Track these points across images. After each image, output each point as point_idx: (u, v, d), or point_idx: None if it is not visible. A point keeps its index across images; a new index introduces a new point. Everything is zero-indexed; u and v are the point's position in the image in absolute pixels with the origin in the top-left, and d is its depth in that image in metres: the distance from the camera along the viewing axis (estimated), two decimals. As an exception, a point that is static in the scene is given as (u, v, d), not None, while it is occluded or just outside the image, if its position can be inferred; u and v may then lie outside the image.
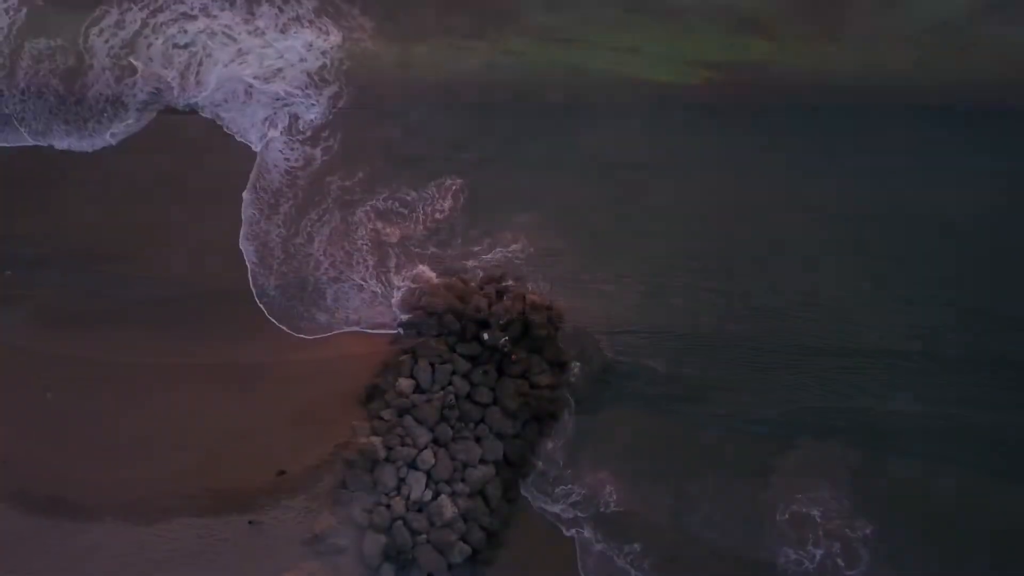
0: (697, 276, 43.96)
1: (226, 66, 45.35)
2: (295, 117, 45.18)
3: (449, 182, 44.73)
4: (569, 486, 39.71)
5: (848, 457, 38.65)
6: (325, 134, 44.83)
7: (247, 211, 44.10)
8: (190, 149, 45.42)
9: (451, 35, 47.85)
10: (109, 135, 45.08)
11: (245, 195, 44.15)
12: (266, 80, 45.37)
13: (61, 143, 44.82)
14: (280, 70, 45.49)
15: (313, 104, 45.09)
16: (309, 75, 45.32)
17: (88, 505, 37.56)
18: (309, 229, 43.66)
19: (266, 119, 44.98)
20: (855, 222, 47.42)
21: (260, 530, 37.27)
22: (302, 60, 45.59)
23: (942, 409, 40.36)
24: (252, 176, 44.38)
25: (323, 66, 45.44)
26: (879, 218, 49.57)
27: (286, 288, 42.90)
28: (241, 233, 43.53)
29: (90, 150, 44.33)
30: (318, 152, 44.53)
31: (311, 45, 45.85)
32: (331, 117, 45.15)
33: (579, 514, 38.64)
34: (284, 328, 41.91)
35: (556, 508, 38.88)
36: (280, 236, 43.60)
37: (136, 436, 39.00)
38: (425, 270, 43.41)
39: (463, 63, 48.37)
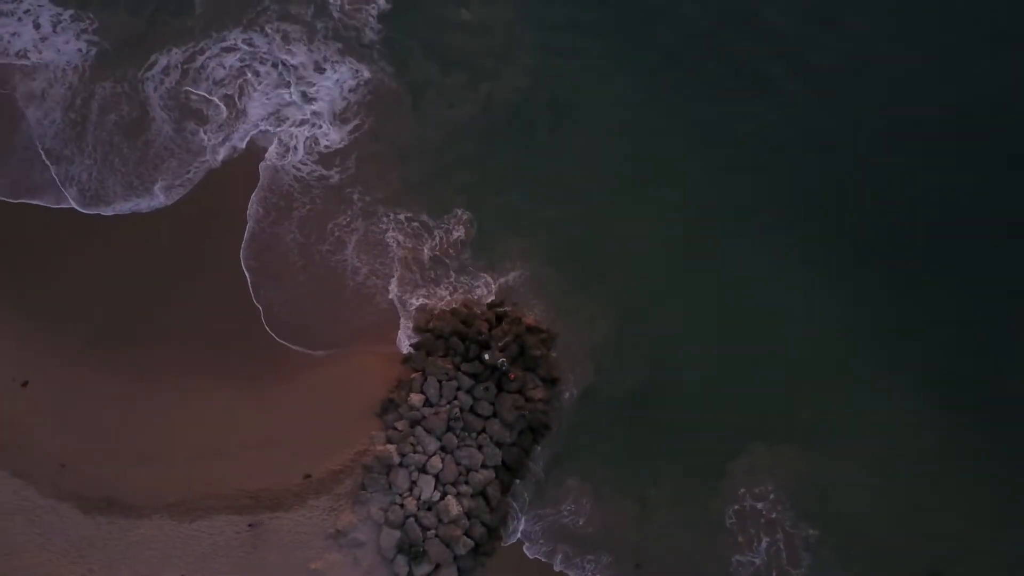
0: (674, 303, 45.89)
1: (268, 96, 48.70)
2: (314, 138, 48.06)
3: (459, 212, 47.07)
4: (546, 509, 42.04)
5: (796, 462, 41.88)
6: (338, 160, 47.57)
7: (252, 208, 46.30)
8: (222, 184, 47.80)
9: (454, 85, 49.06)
10: (170, 191, 47.03)
11: (253, 196, 46.58)
12: (298, 107, 48.67)
13: (123, 207, 46.47)
14: (313, 100, 48.78)
15: (335, 131, 48.24)
16: (335, 112, 48.54)
17: (138, 505, 40.84)
18: (337, 234, 45.90)
19: (289, 135, 48.16)
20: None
21: (289, 525, 40.30)
22: (331, 95, 48.90)
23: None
24: (261, 181, 46.79)
25: (347, 105, 48.82)
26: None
27: (296, 302, 44.89)
28: (245, 236, 45.74)
29: (161, 207, 46.41)
30: (334, 173, 47.25)
31: (344, 82, 49.29)
32: (348, 143, 48.10)
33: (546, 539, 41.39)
34: (288, 343, 43.97)
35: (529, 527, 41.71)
36: (296, 241, 45.75)
37: (179, 444, 42.07)
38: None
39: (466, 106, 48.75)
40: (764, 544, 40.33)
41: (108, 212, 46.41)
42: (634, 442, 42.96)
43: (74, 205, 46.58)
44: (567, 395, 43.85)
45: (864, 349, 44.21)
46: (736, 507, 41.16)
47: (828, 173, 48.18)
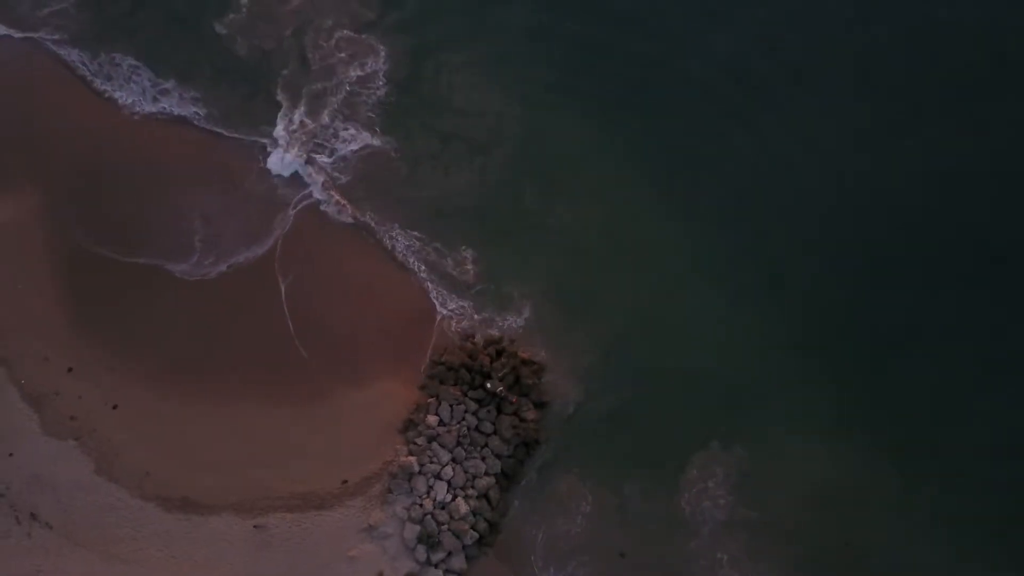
0: (648, 336, 51.05)
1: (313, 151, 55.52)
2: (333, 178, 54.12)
3: (464, 247, 52.27)
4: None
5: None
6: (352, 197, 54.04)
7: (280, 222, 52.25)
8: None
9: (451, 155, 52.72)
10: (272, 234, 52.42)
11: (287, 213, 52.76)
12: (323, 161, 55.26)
13: (238, 259, 51.57)
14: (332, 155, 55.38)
15: (348, 175, 54.66)
16: (349, 163, 55.03)
17: (209, 504, 46.84)
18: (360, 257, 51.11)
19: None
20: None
21: (331, 521, 46.20)
22: (343, 153, 55.57)
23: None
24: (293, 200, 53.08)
25: (357, 160, 55.25)
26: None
27: (329, 335, 49.73)
28: (277, 251, 51.54)
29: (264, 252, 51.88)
30: (346, 214, 53.27)
31: (356, 143, 55.80)
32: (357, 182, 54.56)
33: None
34: (323, 369, 49.05)
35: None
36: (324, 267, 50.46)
37: (240, 455, 47.89)
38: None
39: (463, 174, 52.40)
40: (710, 525, 46.06)
41: (212, 274, 51.58)
42: (611, 450, 48.27)
43: (195, 272, 51.42)
44: (555, 415, 48.95)
45: (801, 374, 50.44)
46: (691, 495, 46.79)
47: (797, 222, 53.49)
